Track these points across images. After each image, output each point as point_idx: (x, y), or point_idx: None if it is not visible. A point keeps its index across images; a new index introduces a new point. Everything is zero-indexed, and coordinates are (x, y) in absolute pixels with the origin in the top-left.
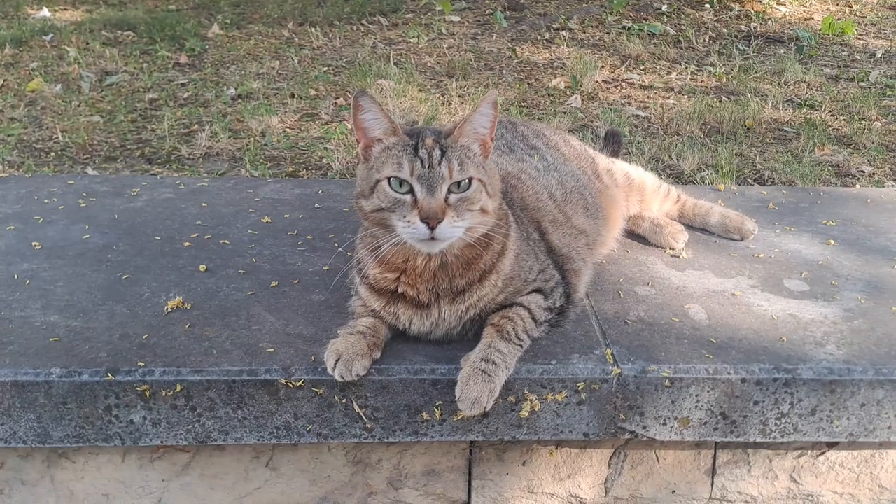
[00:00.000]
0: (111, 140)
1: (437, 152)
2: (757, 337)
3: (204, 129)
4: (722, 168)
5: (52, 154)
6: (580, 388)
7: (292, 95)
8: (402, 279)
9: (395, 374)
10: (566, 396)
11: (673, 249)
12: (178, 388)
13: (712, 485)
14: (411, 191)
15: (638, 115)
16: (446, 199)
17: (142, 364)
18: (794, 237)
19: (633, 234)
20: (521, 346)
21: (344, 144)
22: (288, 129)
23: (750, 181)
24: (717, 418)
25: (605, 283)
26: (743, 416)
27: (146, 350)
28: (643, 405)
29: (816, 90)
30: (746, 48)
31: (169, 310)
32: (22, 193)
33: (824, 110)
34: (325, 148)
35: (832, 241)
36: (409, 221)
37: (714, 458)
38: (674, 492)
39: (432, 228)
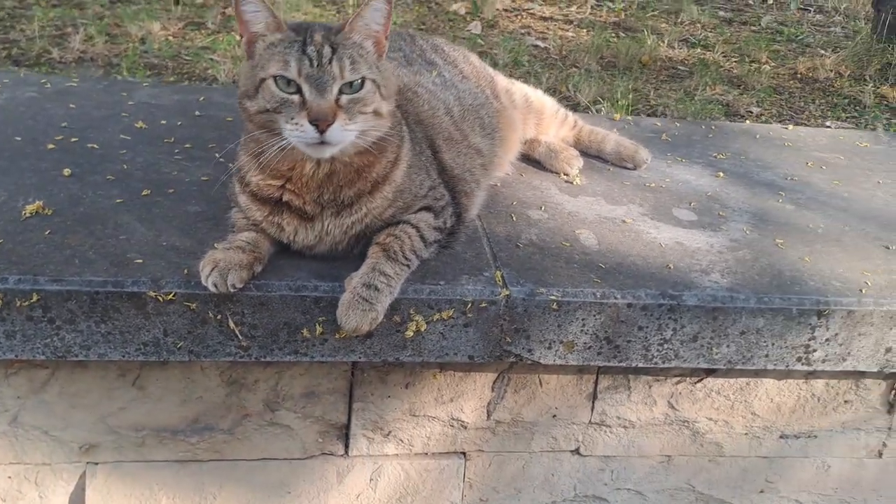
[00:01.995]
0: None
1: (326, 50)
2: (645, 263)
3: (78, 32)
4: (617, 101)
5: None
6: (467, 309)
7: (177, 2)
8: (288, 186)
9: (274, 290)
10: (453, 317)
11: (567, 175)
12: (35, 297)
13: (592, 409)
14: (299, 91)
15: (537, 46)
16: (337, 101)
17: None
18: (685, 168)
19: (529, 159)
20: (408, 265)
21: (231, 56)
22: (171, 38)
23: (643, 115)
24: (601, 343)
25: (498, 205)
26: (627, 340)
27: (0, 256)
28: (529, 328)
29: (711, 31)
30: None
31: (27, 215)
32: None
33: (717, 51)
34: (211, 59)
35: (721, 174)
36: (297, 124)
37: (596, 383)
38: (555, 416)
39: (322, 132)
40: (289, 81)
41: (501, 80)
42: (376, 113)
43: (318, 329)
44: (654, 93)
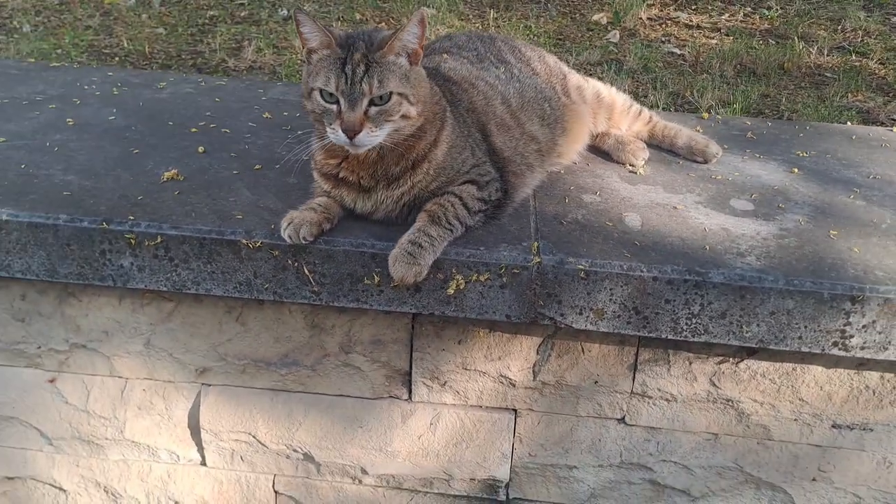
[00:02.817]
0: (169, 50)
1: (360, 69)
2: (681, 244)
3: (251, 45)
4: (735, 105)
5: (116, 59)
6: (502, 272)
7: (338, 19)
8: (344, 165)
9: (339, 245)
10: (489, 279)
11: (632, 165)
12: (159, 239)
13: (633, 379)
14: (338, 102)
15: (673, 53)
16: (367, 112)
17: (132, 217)
18: (760, 164)
19: (600, 151)
20: (450, 230)
21: None
22: None
23: (763, 118)
24: (629, 312)
25: (556, 189)
26: (655, 312)
27: (138, 208)
28: (560, 294)
29: (874, 38)
30: None
31: (165, 179)
32: (68, 80)
33: (874, 58)
34: None
35: (797, 170)
36: (334, 129)
37: (636, 354)
38: (596, 382)
39: (350, 138)
40: (330, 94)
41: (574, 79)
42: (404, 117)
43: (376, 278)
44: (788, 98)
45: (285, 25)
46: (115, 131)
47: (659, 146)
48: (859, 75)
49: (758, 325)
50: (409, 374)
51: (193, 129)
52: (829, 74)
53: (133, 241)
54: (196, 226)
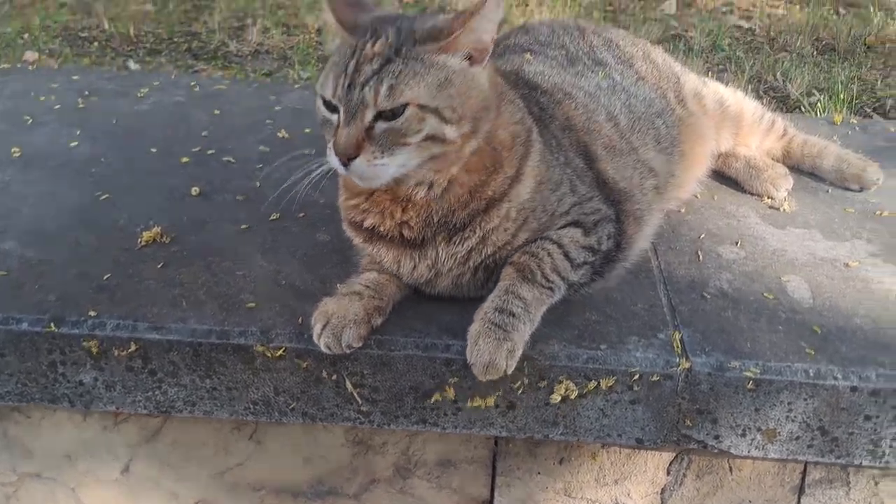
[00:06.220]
0: (159, 32)
1: (369, 68)
2: (874, 328)
3: (255, 24)
4: (838, 94)
5: (96, 44)
6: (634, 382)
7: None
8: (368, 207)
9: (399, 349)
10: (616, 390)
11: (772, 199)
12: (133, 347)
13: None
14: (338, 111)
15: (741, 27)
16: (369, 129)
17: (93, 314)
18: None
19: (724, 177)
20: (550, 289)
21: None
22: None
23: (867, 110)
24: (813, 433)
25: (681, 238)
26: (849, 433)
27: (104, 294)
28: (717, 410)
29: None
30: None
31: (143, 242)
32: (18, 89)
33: None
34: None
35: None
36: (329, 150)
37: (804, 473)
38: None
39: (345, 165)
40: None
41: (690, 81)
42: (433, 139)
43: (450, 392)
44: (882, 81)
45: None
46: (76, 165)
47: (796, 167)
48: None
49: None
50: (491, 503)
51: (184, 159)
52: None
53: (95, 351)
54: (188, 323)
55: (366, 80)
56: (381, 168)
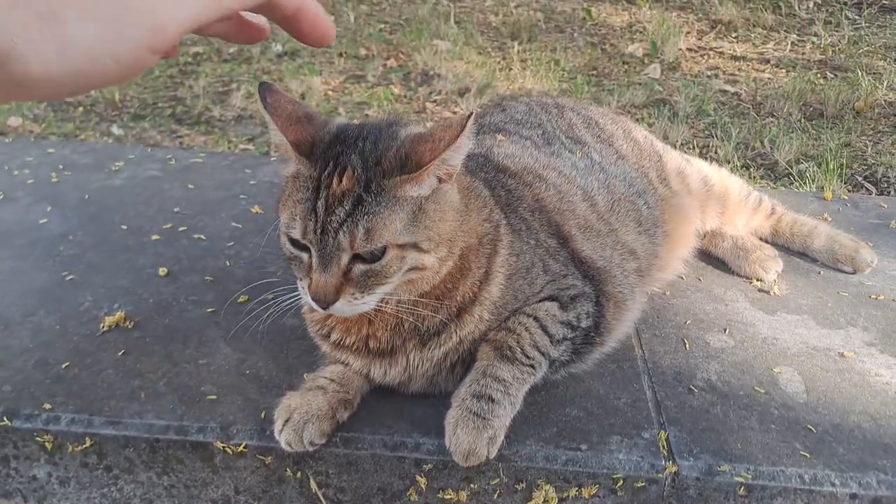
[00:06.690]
0: (144, 96)
1: (341, 210)
2: (875, 427)
3: (240, 89)
4: (827, 163)
5: (80, 109)
6: (617, 487)
7: (341, 55)
8: (332, 323)
9: (366, 447)
10: (599, 497)
11: (761, 281)
12: (88, 442)
13: None
14: (308, 249)
15: (726, 91)
16: (347, 273)
17: (48, 407)
18: None
19: (711, 256)
20: (531, 367)
21: (386, 113)
22: (330, 92)
23: (859, 178)
24: None
25: (666, 324)
26: None
27: (61, 386)
28: None
29: None
30: (858, 17)
31: (105, 328)
32: None
33: None
34: (366, 114)
35: None
36: (304, 287)
37: None
38: None
39: (323, 308)
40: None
41: (673, 160)
42: (414, 269)
43: (421, 491)
44: (872, 148)
45: (279, 64)
46: (45, 243)
47: (786, 247)
48: None
49: None
50: None
51: (155, 237)
52: None
53: (49, 446)
54: (146, 418)
55: (339, 224)
56: (361, 305)
